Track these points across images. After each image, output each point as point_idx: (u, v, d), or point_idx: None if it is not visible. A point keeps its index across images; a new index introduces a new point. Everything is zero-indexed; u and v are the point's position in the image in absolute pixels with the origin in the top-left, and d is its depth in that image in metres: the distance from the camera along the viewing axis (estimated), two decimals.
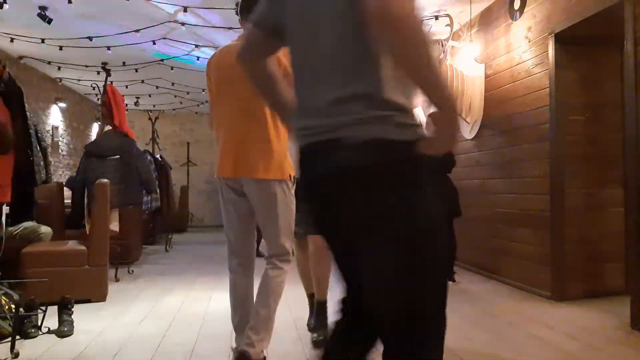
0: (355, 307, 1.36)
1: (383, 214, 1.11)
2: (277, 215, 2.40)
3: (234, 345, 2.58)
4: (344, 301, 1.41)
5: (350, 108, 1.12)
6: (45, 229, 4.23)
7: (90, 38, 5.97)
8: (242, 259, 2.52)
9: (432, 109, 1.14)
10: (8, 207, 3.72)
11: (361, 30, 1.08)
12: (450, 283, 4.92)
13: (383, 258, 1.12)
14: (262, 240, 6.20)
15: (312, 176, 1.25)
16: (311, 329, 3.08)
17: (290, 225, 2.48)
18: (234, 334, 3.14)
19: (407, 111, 1.17)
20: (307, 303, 3.29)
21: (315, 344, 2.85)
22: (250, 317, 2.40)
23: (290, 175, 2.42)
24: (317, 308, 3.04)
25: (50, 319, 3.15)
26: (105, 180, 4.22)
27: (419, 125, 1.19)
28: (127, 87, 8.33)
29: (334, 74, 1.16)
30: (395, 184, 1.12)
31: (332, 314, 2.70)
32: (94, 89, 7.54)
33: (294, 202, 2.48)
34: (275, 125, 2.35)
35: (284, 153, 2.40)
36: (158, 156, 8.09)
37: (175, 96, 9.33)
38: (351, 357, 1.35)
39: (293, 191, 2.45)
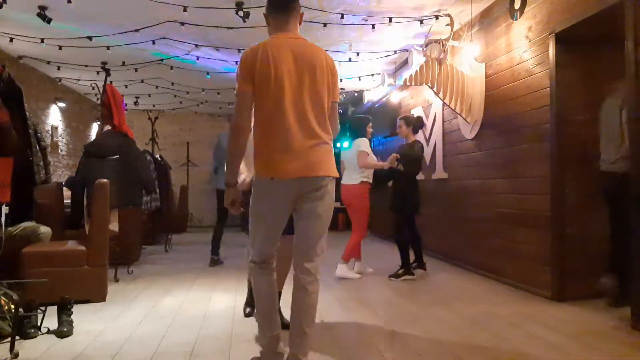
0: None
1: None
2: (329, 216, 2.39)
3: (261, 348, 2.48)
4: None
5: None
6: (44, 229, 4.23)
7: (89, 38, 5.97)
8: (270, 261, 2.44)
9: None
10: (7, 207, 3.72)
11: None
12: (421, 272, 5.03)
13: None
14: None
15: None
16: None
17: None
18: (234, 335, 3.14)
19: None
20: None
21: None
22: (295, 334, 2.33)
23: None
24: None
25: (49, 319, 3.15)
26: (105, 180, 4.21)
27: None
28: (126, 86, 8.33)
29: None
30: None
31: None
32: (93, 88, 7.53)
33: None
34: (327, 124, 2.37)
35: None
36: (158, 156, 8.09)
37: (175, 96, 9.33)
38: None
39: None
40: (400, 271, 4.97)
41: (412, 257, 5.04)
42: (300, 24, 2.46)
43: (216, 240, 5.90)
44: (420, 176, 6.90)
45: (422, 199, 5.21)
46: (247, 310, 3.61)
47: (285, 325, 2.61)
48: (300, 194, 2.29)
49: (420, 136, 6.90)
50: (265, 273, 2.44)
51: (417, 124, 5.28)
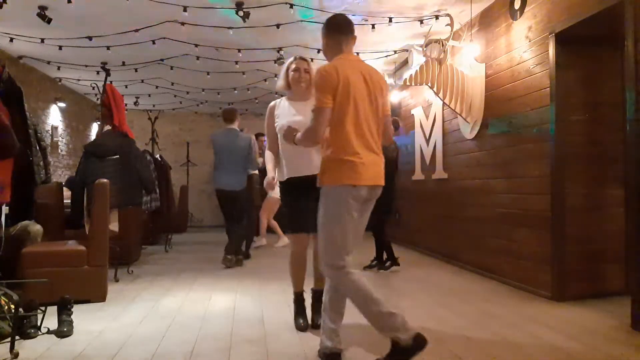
0: None
1: None
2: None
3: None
4: None
5: None
6: (34, 227, 4.16)
7: (89, 38, 5.97)
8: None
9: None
10: (7, 207, 3.72)
11: None
12: (397, 268, 5.32)
13: None
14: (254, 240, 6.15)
15: None
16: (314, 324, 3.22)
17: None
18: (234, 335, 3.14)
19: None
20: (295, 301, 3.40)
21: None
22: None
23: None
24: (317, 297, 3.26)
25: (49, 319, 3.15)
26: (105, 180, 4.21)
27: None
28: (126, 86, 8.34)
29: None
30: None
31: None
32: (93, 88, 7.53)
33: None
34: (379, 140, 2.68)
35: None
36: (157, 156, 8.09)
37: (175, 96, 9.33)
38: None
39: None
40: (387, 263, 5.29)
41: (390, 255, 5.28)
42: (353, 45, 2.77)
43: (240, 241, 5.96)
44: (419, 176, 6.93)
45: (398, 200, 5.56)
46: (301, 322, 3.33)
47: (315, 325, 3.08)
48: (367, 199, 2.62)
49: (420, 136, 6.92)
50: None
51: (394, 126, 5.28)
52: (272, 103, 3.35)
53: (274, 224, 7.47)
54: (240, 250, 5.95)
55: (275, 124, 3.23)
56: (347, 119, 2.52)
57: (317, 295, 3.28)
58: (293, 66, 3.23)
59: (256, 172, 6.44)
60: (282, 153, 3.23)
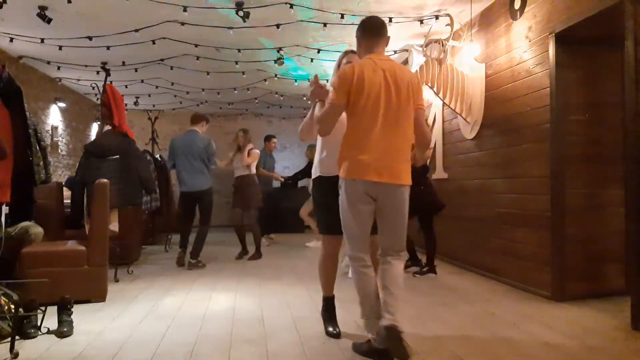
0: None
1: None
2: (405, 216, 2.73)
3: (371, 335, 2.67)
4: None
5: None
6: (34, 230, 4.13)
7: (89, 38, 5.96)
8: (368, 255, 2.73)
9: None
10: (7, 207, 3.72)
11: None
12: (432, 275, 5.07)
13: None
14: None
15: None
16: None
17: None
18: (233, 335, 3.14)
19: None
20: (317, 303, 3.36)
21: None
22: (386, 298, 2.58)
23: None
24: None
25: (49, 319, 3.15)
26: (105, 180, 4.21)
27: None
28: (126, 86, 8.33)
29: None
30: None
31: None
32: (93, 88, 7.53)
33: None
34: (408, 139, 2.72)
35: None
36: (158, 156, 8.09)
37: (175, 96, 9.33)
38: None
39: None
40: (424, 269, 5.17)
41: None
42: (387, 46, 2.85)
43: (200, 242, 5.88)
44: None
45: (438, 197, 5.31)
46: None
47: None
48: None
49: None
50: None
51: None
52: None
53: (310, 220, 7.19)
54: (199, 252, 5.76)
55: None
56: (359, 115, 2.62)
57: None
58: (344, 60, 3.09)
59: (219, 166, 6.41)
60: (324, 145, 3.08)
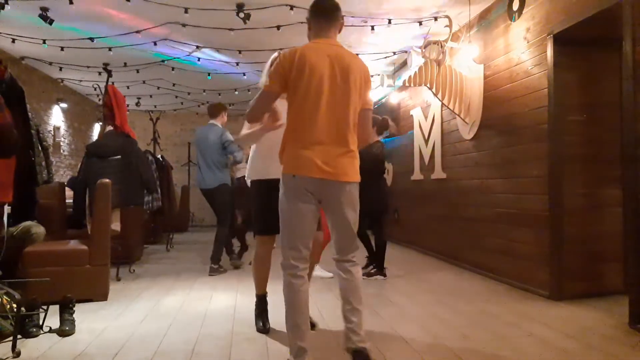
0: None
1: None
2: (356, 213, 2.48)
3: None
4: None
5: None
6: (37, 229, 4.16)
7: (91, 39, 6.00)
8: (306, 264, 2.44)
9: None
10: (10, 207, 3.74)
11: None
12: (381, 278, 5.01)
13: None
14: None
15: None
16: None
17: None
18: (234, 334, 3.16)
19: None
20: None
21: None
22: (349, 315, 2.42)
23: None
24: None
25: (51, 318, 3.18)
26: (107, 180, 4.24)
27: None
28: (128, 87, 8.37)
29: None
30: None
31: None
32: (95, 89, 7.57)
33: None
34: (355, 132, 2.43)
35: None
36: (159, 156, 8.11)
37: (177, 97, 9.36)
38: None
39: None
40: (372, 270, 5.07)
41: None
42: (339, 32, 2.56)
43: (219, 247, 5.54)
44: (418, 176, 6.95)
45: (390, 199, 5.30)
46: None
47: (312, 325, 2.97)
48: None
49: (419, 136, 6.94)
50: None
51: (381, 125, 5.24)
52: None
53: None
54: (219, 256, 5.42)
55: None
56: (299, 103, 2.36)
57: None
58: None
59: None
60: (257, 151, 3.10)
